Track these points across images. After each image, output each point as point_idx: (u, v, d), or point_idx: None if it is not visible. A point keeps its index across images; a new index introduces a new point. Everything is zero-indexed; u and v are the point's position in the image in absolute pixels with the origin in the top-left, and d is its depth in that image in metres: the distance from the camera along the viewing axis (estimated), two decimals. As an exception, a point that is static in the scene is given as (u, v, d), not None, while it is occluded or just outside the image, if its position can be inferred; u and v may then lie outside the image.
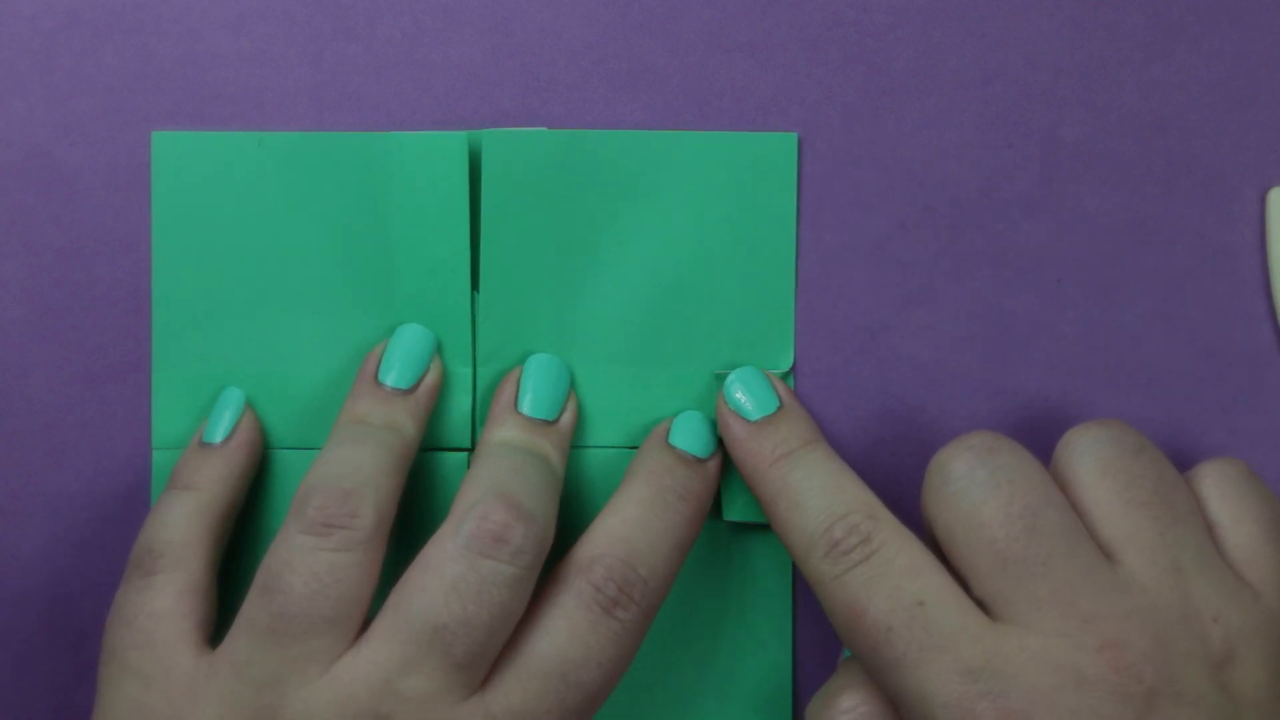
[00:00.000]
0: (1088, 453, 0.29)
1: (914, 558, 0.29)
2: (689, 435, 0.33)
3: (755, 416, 0.32)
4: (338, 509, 0.29)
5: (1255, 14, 0.35)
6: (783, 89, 0.35)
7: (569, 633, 0.29)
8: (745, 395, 0.33)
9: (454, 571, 0.29)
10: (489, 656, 0.29)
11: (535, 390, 0.33)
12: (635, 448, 0.35)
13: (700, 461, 0.33)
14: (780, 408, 0.33)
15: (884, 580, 0.28)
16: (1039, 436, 0.35)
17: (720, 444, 0.34)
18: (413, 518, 0.34)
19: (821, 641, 0.35)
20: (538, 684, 0.29)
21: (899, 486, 0.35)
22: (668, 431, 0.33)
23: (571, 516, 0.34)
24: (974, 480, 0.29)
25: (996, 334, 0.35)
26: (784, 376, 0.35)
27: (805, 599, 0.35)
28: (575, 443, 0.34)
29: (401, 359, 0.33)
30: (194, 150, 0.34)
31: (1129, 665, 0.26)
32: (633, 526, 0.31)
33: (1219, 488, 0.30)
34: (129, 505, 0.35)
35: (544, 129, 0.34)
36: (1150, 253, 0.35)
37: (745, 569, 0.35)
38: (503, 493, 0.30)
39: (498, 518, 0.29)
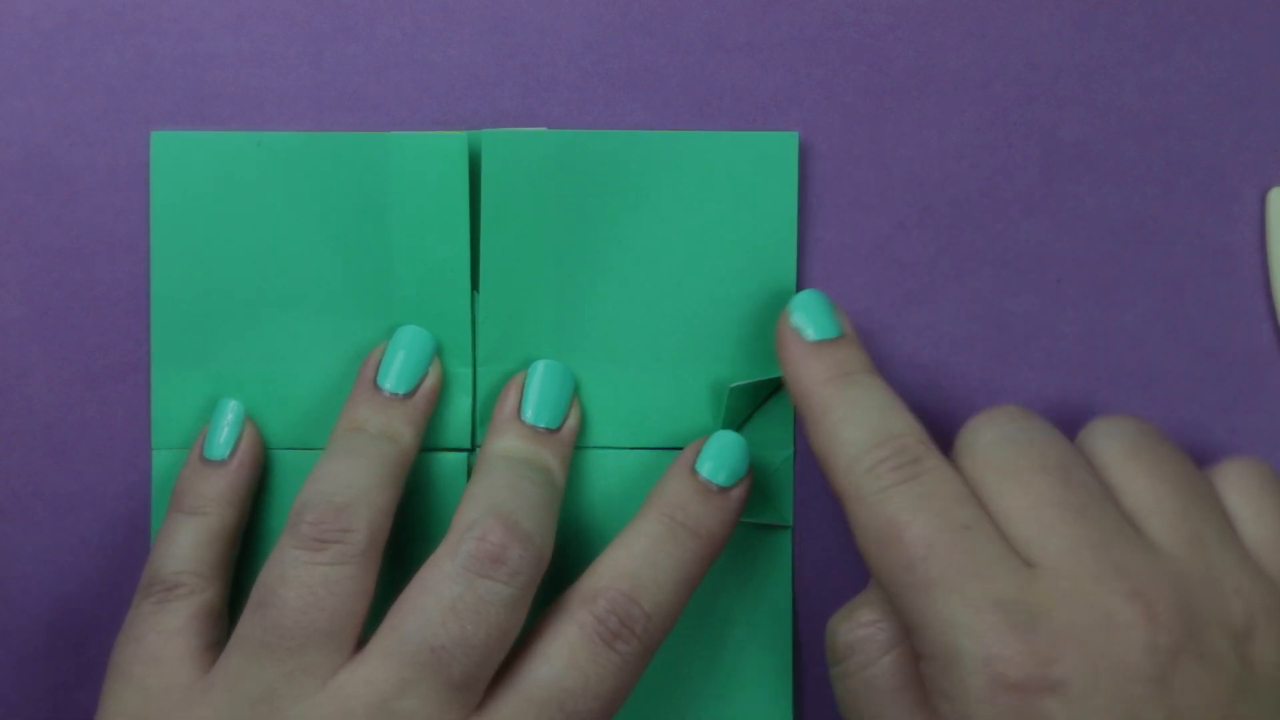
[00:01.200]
0: (1113, 437, 0.30)
1: (960, 487, 0.29)
2: (716, 461, 0.33)
3: (815, 338, 0.32)
4: (331, 524, 0.30)
5: (1255, 14, 0.35)
6: (783, 89, 0.35)
7: (569, 662, 0.29)
8: (806, 318, 0.32)
9: (452, 592, 0.29)
10: (486, 677, 0.29)
11: (538, 398, 0.33)
12: (635, 448, 0.35)
13: (723, 492, 0.33)
14: (842, 335, 0.32)
15: (933, 500, 0.28)
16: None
17: (749, 471, 0.33)
18: (412, 520, 0.34)
19: (821, 641, 0.35)
20: (534, 710, 0.29)
21: (899, 486, 0.35)
22: (696, 455, 0.33)
23: (572, 519, 0.34)
24: (1006, 439, 0.29)
25: (996, 334, 0.35)
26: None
27: (805, 599, 0.35)
28: (576, 443, 0.34)
29: (400, 363, 0.33)
30: (193, 150, 0.34)
31: (1159, 615, 0.26)
32: (639, 560, 0.31)
33: (1241, 483, 0.30)
34: (129, 505, 0.35)
35: (544, 129, 0.34)
36: (1150, 253, 0.35)
37: (745, 569, 0.35)
38: (500, 512, 0.30)
39: (495, 538, 0.29)
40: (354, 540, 0.30)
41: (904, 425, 0.30)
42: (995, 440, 0.29)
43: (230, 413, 0.33)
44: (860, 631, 0.30)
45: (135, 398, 0.34)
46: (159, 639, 0.30)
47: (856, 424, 0.30)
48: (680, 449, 0.34)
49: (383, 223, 0.34)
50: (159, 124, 0.34)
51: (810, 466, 0.35)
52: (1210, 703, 0.26)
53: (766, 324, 0.35)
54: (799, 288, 0.35)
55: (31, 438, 0.34)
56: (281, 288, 0.34)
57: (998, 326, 0.35)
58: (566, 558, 0.34)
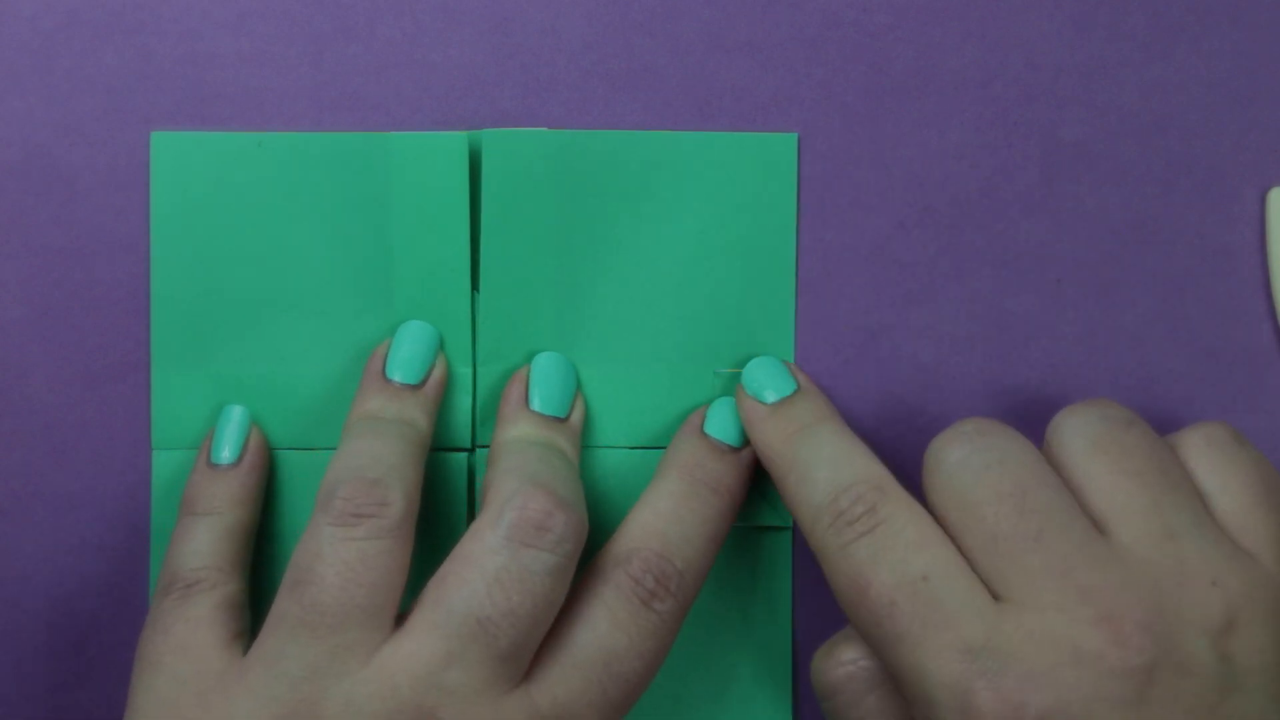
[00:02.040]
0: (1078, 432, 0.29)
1: (921, 530, 0.29)
2: (723, 423, 0.33)
3: (772, 400, 0.33)
4: (365, 498, 0.29)
5: (1255, 14, 0.35)
6: (783, 89, 0.35)
7: (610, 624, 0.30)
8: (762, 381, 0.33)
9: (496, 563, 0.29)
10: (532, 647, 0.29)
11: (545, 388, 0.33)
12: (636, 448, 0.35)
13: (734, 451, 0.33)
14: (797, 390, 0.33)
15: (889, 553, 0.28)
16: (1039, 436, 0.35)
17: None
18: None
19: (821, 642, 0.35)
20: (581, 675, 0.29)
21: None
22: (703, 420, 0.33)
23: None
24: (965, 464, 0.29)
25: (996, 334, 0.35)
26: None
27: (805, 599, 0.35)
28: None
29: (408, 354, 0.33)
30: (193, 151, 0.34)
31: (1127, 638, 0.26)
32: (667, 520, 0.31)
33: (1206, 455, 0.29)
34: (129, 505, 0.35)
35: (544, 129, 0.34)
36: (1150, 253, 0.35)
37: (745, 569, 0.35)
38: (538, 480, 0.30)
39: (538, 505, 0.29)
40: (389, 514, 0.29)
41: (856, 473, 0.30)
42: (954, 467, 0.29)
43: (235, 417, 0.33)
44: (841, 670, 0.30)
45: (135, 398, 0.34)
46: (186, 628, 0.30)
47: (811, 482, 0.30)
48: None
49: (383, 223, 0.34)
50: (159, 124, 0.34)
51: (810, 466, 0.35)
52: (1194, 709, 0.26)
53: (766, 324, 0.35)
54: (799, 288, 0.35)
55: (31, 438, 0.34)
56: (282, 288, 0.34)
57: (998, 326, 0.35)
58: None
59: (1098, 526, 0.28)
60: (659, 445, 0.35)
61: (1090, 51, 0.35)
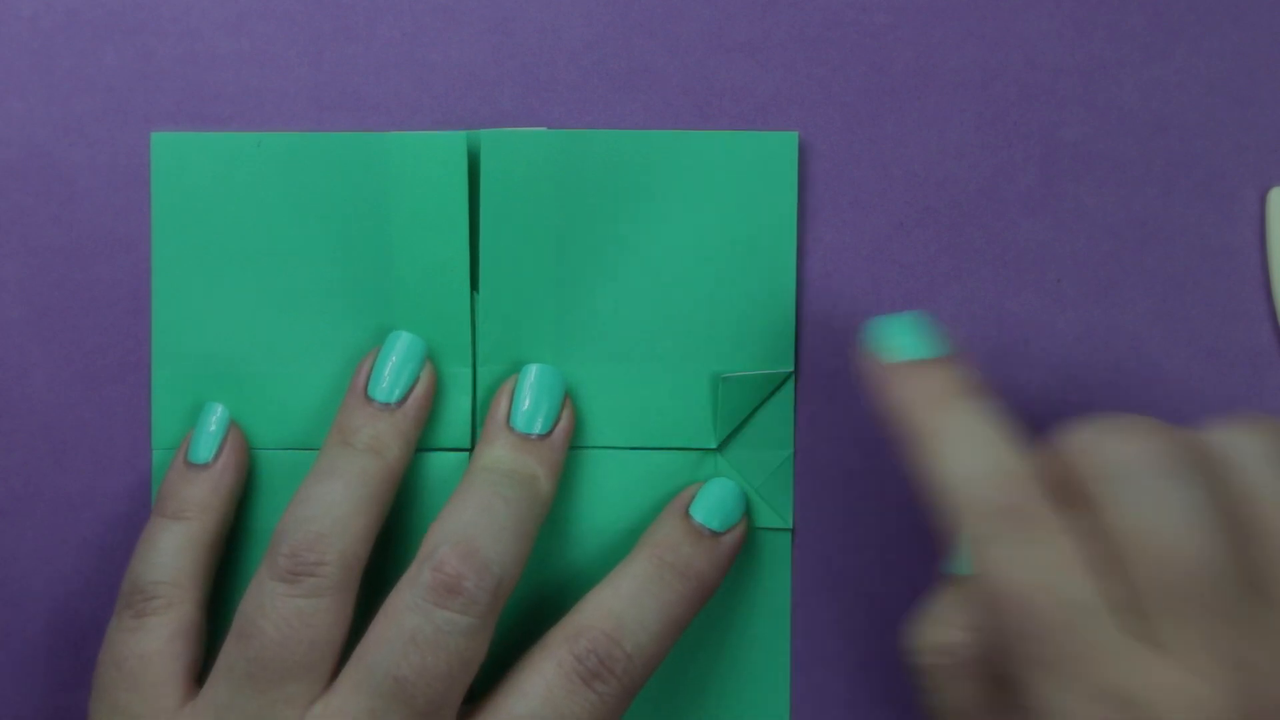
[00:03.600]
0: (1266, 461, 0.27)
1: (1081, 554, 0.26)
2: (710, 507, 0.33)
3: (910, 358, 0.30)
4: (306, 556, 0.30)
5: (1255, 14, 0.35)
6: (783, 89, 0.35)
7: (544, 699, 0.30)
8: (902, 336, 0.30)
9: (411, 623, 0.29)
10: (453, 704, 0.30)
11: (525, 405, 0.33)
12: (635, 448, 0.35)
13: (715, 536, 0.33)
14: (947, 354, 0.30)
15: (1048, 572, 0.26)
16: (1039, 437, 0.35)
17: (744, 518, 0.33)
18: (413, 520, 0.34)
19: (822, 641, 0.35)
20: None
21: (900, 486, 0.35)
22: (691, 499, 0.33)
23: (572, 519, 0.34)
24: (1167, 498, 0.26)
25: (996, 334, 0.35)
26: (784, 377, 0.35)
27: (805, 599, 0.35)
28: (575, 443, 0.34)
29: (390, 372, 0.33)
30: (193, 151, 0.34)
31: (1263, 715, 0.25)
32: (625, 601, 0.31)
33: None
34: (129, 505, 0.35)
35: (544, 129, 0.34)
36: (1150, 253, 0.35)
37: (745, 569, 0.35)
38: (460, 540, 0.30)
39: (450, 569, 0.30)
40: (327, 573, 0.30)
41: (1019, 469, 0.28)
42: (1153, 494, 0.26)
43: (215, 416, 0.33)
44: (941, 657, 0.29)
45: (135, 398, 0.35)
46: (138, 665, 0.31)
47: (968, 463, 0.28)
48: (680, 449, 0.34)
49: (382, 223, 0.34)
50: (159, 124, 0.34)
51: (810, 468, 0.35)
52: None
53: (766, 324, 0.35)
54: (799, 288, 0.35)
55: (31, 438, 0.34)
56: (282, 288, 0.34)
57: (998, 326, 0.35)
58: (566, 559, 0.34)
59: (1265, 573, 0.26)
60: (658, 446, 0.35)
61: (1090, 51, 0.35)
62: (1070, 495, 0.27)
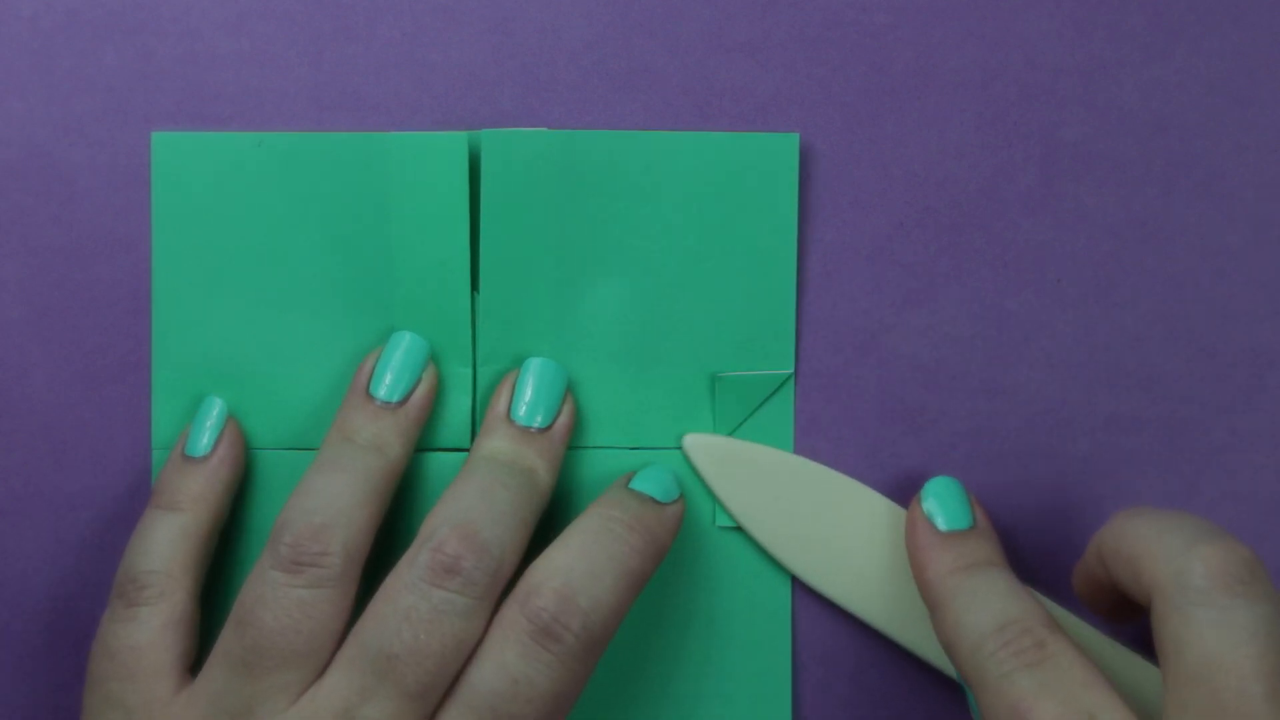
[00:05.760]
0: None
1: (1089, 673, 0.28)
2: (650, 481, 0.33)
3: (945, 529, 0.32)
4: (308, 546, 0.30)
5: (1255, 14, 0.35)
6: (783, 89, 0.35)
7: (496, 665, 0.29)
8: (939, 507, 0.33)
9: (408, 601, 0.29)
10: (441, 686, 0.29)
11: (527, 398, 0.33)
12: (635, 448, 0.35)
13: (659, 505, 0.32)
14: (973, 526, 0.33)
15: (1057, 686, 0.28)
16: (1039, 437, 0.35)
17: (681, 497, 0.33)
18: (412, 519, 0.34)
19: (821, 642, 0.35)
20: (474, 717, 0.29)
21: (899, 488, 0.35)
22: (631, 477, 0.33)
23: (569, 518, 0.34)
24: (1226, 611, 0.27)
25: (996, 334, 0.35)
26: (785, 379, 0.35)
27: (805, 599, 0.35)
28: (574, 443, 0.34)
29: (392, 371, 0.33)
30: (194, 151, 0.34)
31: None
32: (574, 555, 0.30)
33: None
34: (129, 505, 0.35)
35: (544, 129, 0.34)
36: (1150, 253, 0.35)
37: (745, 569, 0.35)
38: (460, 523, 0.30)
39: (450, 549, 0.30)
40: (329, 564, 0.30)
41: (1028, 610, 0.29)
42: (1209, 610, 0.27)
43: (213, 410, 0.33)
44: None
45: (135, 398, 0.35)
46: (131, 655, 0.31)
47: (979, 610, 0.30)
48: (680, 449, 0.34)
49: (382, 223, 0.34)
50: (159, 124, 0.34)
51: (810, 466, 0.35)
52: None
53: (766, 324, 0.35)
54: (799, 288, 0.35)
55: (31, 438, 0.34)
56: (282, 288, 0.34)
57: (998, 326, 0.35)
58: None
59: None
60: (658, 446, 0.35)
61: (1090, 51, 0.35)
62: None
